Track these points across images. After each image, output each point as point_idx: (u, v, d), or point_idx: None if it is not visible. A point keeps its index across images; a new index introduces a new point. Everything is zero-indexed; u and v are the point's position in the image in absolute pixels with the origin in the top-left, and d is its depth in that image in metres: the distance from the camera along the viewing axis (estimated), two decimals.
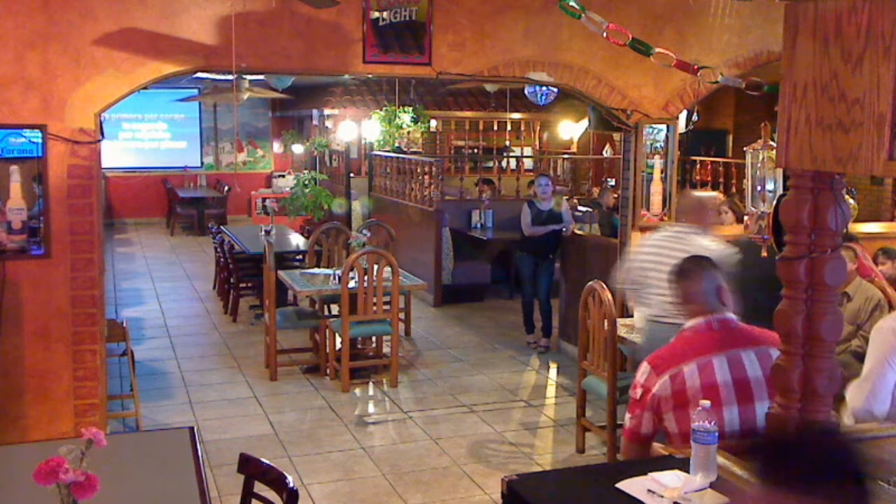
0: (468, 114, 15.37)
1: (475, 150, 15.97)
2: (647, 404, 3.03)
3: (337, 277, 7.08)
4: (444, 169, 11.35)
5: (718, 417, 2.95)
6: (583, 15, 4.35)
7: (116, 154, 16.64)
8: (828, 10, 2.22)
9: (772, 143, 3.75)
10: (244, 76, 9.05)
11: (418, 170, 10.74)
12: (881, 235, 6.52)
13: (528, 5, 5.95)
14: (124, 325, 6.14)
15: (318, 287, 7.18)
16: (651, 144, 6.52)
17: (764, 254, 3.90)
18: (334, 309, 7.74)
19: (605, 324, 5.17)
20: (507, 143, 15.80)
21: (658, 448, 3.00)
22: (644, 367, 3.11)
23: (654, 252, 4.77)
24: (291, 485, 2.83)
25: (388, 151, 12.94)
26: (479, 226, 10.39)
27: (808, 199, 2.39)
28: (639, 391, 3.08)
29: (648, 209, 6.60)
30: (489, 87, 14.34)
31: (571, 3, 4.39)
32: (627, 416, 3.13)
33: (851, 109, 2.16)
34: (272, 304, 7.16)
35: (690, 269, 3.24)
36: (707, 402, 2.62)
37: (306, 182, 12.64)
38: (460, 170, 14.62)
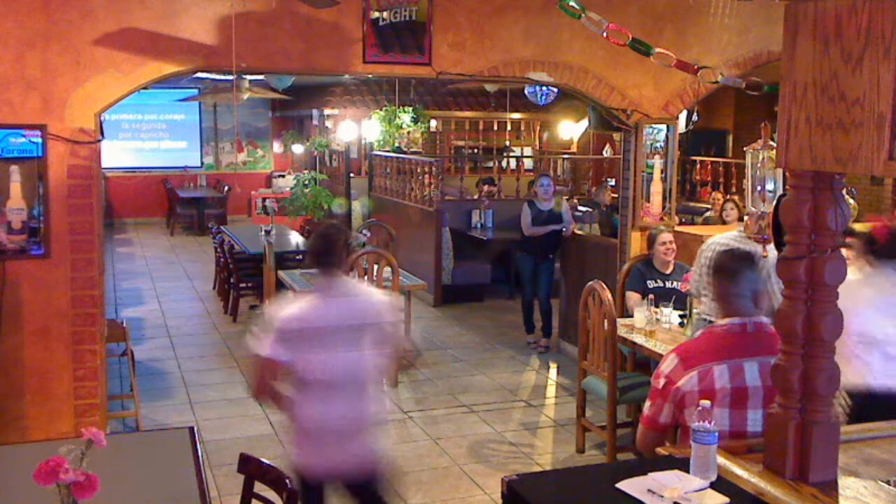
0: (468, 114, 15.36)
1: (475, 150, 15.97)
2: (669, 395, 3.01)
3: None
4: (444, 169, 11.35)
5: (742, 418, 2.95)
6: (583, 15, 4.35)
7: (116, 154, 16.63)
8: (828, 10, 2.21)
9: (772, 143, 3.75)
10: (244, 76, 9.06)
11: (418, 170, 10.74)
12: None
13: (528, 5, 5.95)
14: (124, 325, 6.14)
15: None
16: (651, 144, 6.52)
17: (764, 254, 3.89)
18: None
19: (605, 324, 5.17)
20: (507, 143, 15.80)
21: (658, 449, 2.99)
22: (671, 358, 3.07)
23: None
24: (291, 485, 2.83)
25: (388, 151, 12.94)
26: (479, 226, 10.39)
27: (808, 199, 2.39)
28: (661, 381, 3.05)
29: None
30: (489, 87, 14.34)
31: (571, 3, 4.40)
32: (647, 403, 3.11)
33: (851, 109, 2.15)
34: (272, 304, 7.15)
35: (731, 269, 3.13)
36: (707, 402, 2.61)
37: (306, 182, 12.64)
38: (460, 170, 14.59)
